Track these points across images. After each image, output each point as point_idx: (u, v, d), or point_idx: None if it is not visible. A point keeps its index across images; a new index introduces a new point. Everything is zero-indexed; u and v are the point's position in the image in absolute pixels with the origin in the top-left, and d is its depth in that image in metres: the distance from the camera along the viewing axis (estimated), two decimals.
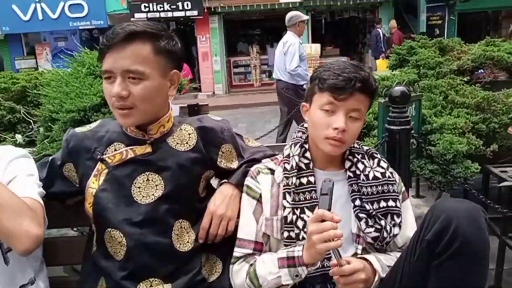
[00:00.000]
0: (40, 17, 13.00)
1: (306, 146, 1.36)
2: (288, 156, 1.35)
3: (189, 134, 1.40)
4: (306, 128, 1.40)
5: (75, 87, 2.21)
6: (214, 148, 1.42)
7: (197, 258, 1.35)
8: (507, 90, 2.76)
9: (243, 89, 14.29)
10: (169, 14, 13.21)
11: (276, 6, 13.61)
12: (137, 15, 13.09)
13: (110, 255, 1.31)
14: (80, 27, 13.45)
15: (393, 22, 11.95)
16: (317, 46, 13.25)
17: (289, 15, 5.02)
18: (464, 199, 1.20)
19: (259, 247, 1.32)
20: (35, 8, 12.93)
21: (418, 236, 1.11)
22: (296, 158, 1.32)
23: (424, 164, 2.32)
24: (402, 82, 2.37)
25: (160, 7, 13.06)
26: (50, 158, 1.45)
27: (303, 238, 1.24)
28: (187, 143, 1.38)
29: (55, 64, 12.68)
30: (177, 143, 1.37)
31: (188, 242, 1.34)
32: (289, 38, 4.93)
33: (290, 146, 1.37)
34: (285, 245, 1.27)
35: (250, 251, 1.31)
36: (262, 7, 13.59)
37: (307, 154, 1.34)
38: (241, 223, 1.36)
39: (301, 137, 1.38)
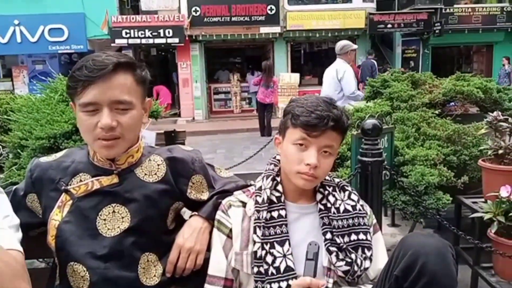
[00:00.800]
0: (19, 40, 12.92)
1: (278, 179, 1.35)
2: (260, 188, 1.33)
3: (158, 165, 1.37)
4: (278, 160, 1.39)
5: (46, 114, 2.17)
6: (184, 179, 1.40)
7: None
8: (477, 123, 2.84)
9: (223, 115, 14.38)
10: (150, 41, 13.32)
11: (257, 36, 13.91)
12: (118, 41, 13.15)
13: None
14: (59, 51, 13.40)
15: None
16: (296, 75, 13.55)
17: (341, 44, 5.24)
18: (432, 234, 1.21)
19: (229, 284, 1.29)
20: (14, 31, 12.86)
21: (387, 271, 1.11)
22: (268, 191, 1.31)
23: (397, 195, 2.34)
24: (375, 114, 2.41)
25: (142, 34, 13.15)
26: (14, 188, 1.41)
27: (272, 274, 1.22)
28: (155, 174, 1.35)
29: (31, 87, 12.61)
30: (145, 174, 1.34)
31: (155, 276, 1.29)
32: (342, 65, 5.12)
33: (262, 179, 1.36)
34: (255, 281, 1.24)
35: None
36: (243, 37, 13.85)
37: (279, 187, 1.33)
38: (211, 259, 1.32)
39: (273, 169, 1.37)
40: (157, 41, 13.27)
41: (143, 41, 13.29)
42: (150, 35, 13.19)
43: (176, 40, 13.27)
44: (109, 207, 1.27)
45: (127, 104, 1.23)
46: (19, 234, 1.21)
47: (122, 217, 1.27)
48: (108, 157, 1.30)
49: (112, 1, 13.52)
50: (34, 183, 1.33)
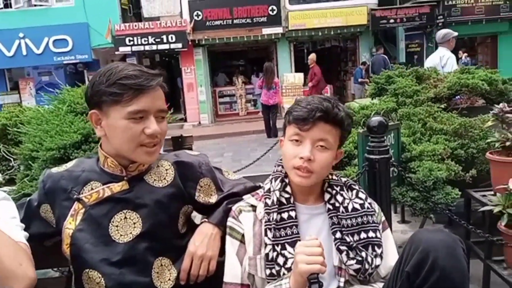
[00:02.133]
0: (24, 52, 13.08)
1: (287, 180, 1.36)
2: (269, 191, 1.35)
3: (166, 169, 1.40)
4: None
5: (55, 125, 2.21)
6: (192, 183, 1.42)
7: None
8: (483, 116, 2.83)
9: (228, 118, 14.41)
10: (154, 47, 13.40)
11: (259, 38, 13.93)
12: (121, 49, 13.25)
13: None
14: (65, 62, 13.53)
15: (313, 56, 11.92)
16: (300, 75, 13.52)
17: (442, 32, 5.47)
18: (441, 229, 1.21)
19: None
20: (19, 44, 13.01)
21: (398, 268, 1.12)
22: (277, 193, 1.32)
23: (405, 192, 2.34)
24: (381, 111, 2.42)
25: (145, 40, 13.23)
26: (27, 199, 1.44)
27: (284, 275, 1.23)
28: (164, 179, 1.38)
29: (38, 99, 12.74)
30: (155, 180, 1.36)
31: (169, 279, 1.32)
32: (445, 52, 5.33)
33: (271, 181, 1.37)
34: (268, 283, 1.25)
35: None
36: (245, 39, 13.88)
37: (288, 189, 1.34)
38: (226, 266, 1.34)
39: (280, 171, 1.38)
40: (161, 47, 13.35)
41: (147, 47, 13.38)
42: (154, 42, 13.28)
43: (179, 45, 13.34)
44: (121, 213, 1.30)
45: (165, 112, 1.32)
46: (25, 233, 1.26)
47: (134, 223, 1.30)
48: (149, 162, 1.35)
49: (115, 10, 13.62)
50: (47, 194, 1.36)
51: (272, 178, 1.38)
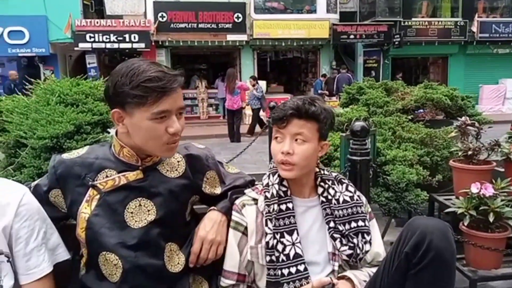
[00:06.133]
0: None
1: None
2: (267, 185, 1.46)
3: (178, 161, 1.47)
4: None
5: (46, 114, 2.20)
6: (200, 174, 1.51)
7: (185, 279, 1.41)
8: (446, 128, 3.10)
9: (189, 121, 14.32)
10: (115, 45, 13.15)
11: (224, 43, 14.05)
12: (81, 45, 12.92)
13: (104, 277, 1.33)
14: (20, 54, 12.98)
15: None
16: (263, 83, 13.75)
17: None
18: (433, 217, 1.37)
19: (242, 278, 1.42)
20: None
21: (396, 249, 1.27)
22: (276, 186, 1.44)
23: (380, 192, 2.54)
24: (359, 118, 2.60)
25: (106, 38, 12.97)
26: (34, 184, 1.46)
27: (282, 261, 1.36)
28: (176, 170, 1.45)
29: None
30: (167, 170, 1.44)
31: (178, 263, 1.40)
32: None
33: (268, 176, 1.49)
34: (268, 269, 1.37)
35: (234, 282, 1.42)
36: (210, 43, 13.95)
37: (284, 183, 1.46)
38: (226, 256, 1.44)
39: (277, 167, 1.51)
40: (122, 45, 13.13)
41: (108, 45, 13.10)
42: (115, 40, 13.04)
43: (142, 45, 13.19)
44: (136, 201, 1.36)
45: (184, 109, 1.38)
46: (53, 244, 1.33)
47: (148, 210, 1.36)
48: (170, 157, 1.43)
49: (76, 5, 13.27)
50: (58, 179, 1.39)
51: (269, 173, 1.50)
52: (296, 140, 1.38)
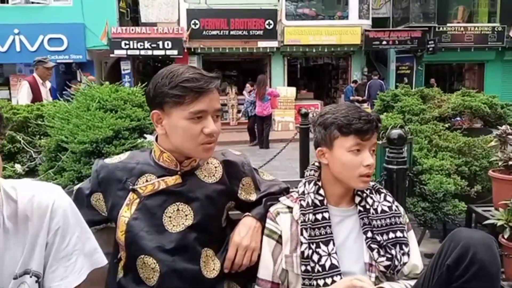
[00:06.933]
0: (18, 49, 12.97)
1: (319, 183, 1.47)
2: (303, 193, 1.45)
3: (215, 167, 1.49)
4: (317, 167, 1.51)
5: (87, 120, 2.27)
6: (236, 180, 1.52)
7: (220, 285, 1.42)
8: (485, 137, 3.01)
9: None
10: (149, 52, 13.45)
11: (254, 50, 14.13)
12: (116, 52, 13.27)
13: (141, 281, 1.35)
14: (58, 61, 13.41)
15: None
16: (293, 89, 13.76)
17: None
18: (477, 230, 1.33)
19: (275, 287, 1.42)
20: (13, 40, 12.91)
21: (437, 262, 1.24)
22: (312, 195, 1.43)
23: (416, 202, 2.48)
24: (396, 126, 2.56)
25: (141, 45, 13.29)
26: (76, 188, 1.50)
27: (318, 271, 1.34)
28: (214, 175, 1.47)
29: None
30: (205, 176, 1.45)
31: (214, 269, 1.40)
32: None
33: (304, 184, 1.48)
34: (303, 278, 1.36)
35: None
36: (241, 50, 14.06)
37: (321, 191, 1.45)
38: (260, 264, 1.44)
39: (313, 175, 1.49)
40: (156, 52, 13.41)
41: (142, 52, 13.42)
42: (149, 47, 13.33)
43: (175, 52, 13.43)
44: (174, 205, 1.38)
45: (221, 111, 1.40)
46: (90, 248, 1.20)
47: (186, 215, 1.38)
48: (207, 158, 1.44)
49: (112, 13, 13.66)
50: (100, 183, 1.43)
51: (306, 182, 1.48)
52: (370, 151, 1.39)
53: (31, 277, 1.07)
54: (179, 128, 1.33)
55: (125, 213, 1.38)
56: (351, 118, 1.36)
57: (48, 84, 5.90)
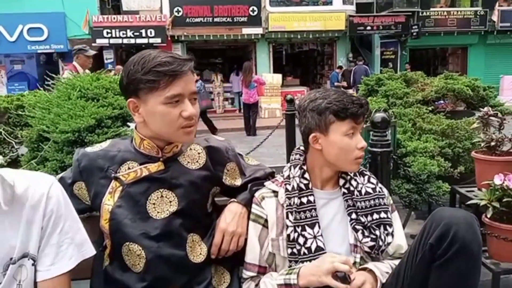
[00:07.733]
0: None
1: (305, 167, 1.47)
2: (289, 177, 1.45)
3: (199, 153, 1.48)
4: (303, 151, 1.51)
5: (68, 109, 2.23)
6: (220, 166, 1.51)
7: (207, 269, 1.42)
8: (468, 119, 3.04)
9: None
10: (132, 41, 13.27)
11: (239, 37, 14.03)
12: (99, 41, 13.05)
13: (128, 268, 1.35)
14: (39, 51, 13.19)
15: None
16: (278, 76, 13.72)
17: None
18: (459, 208, 1.35)
19: (262, 270, 1.43)
20: None
21: (419, 241, 1.25)
22: (297, 179, 1.43)
23: (401, 184, 2.51)
24: (379, 110, 2.58)
25: (123, 34, 13.10)
26: (58, 177, 1.48)
27: (304, 254, 1.35)
28: (197, 161, 1.46)
29: (10, 87, 12.36)
30: (188, 162, 1.44)
31: (200, 254, 1.40)
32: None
33: (289, 168, 1.48)
34: (289, 261, 1.38)
35: (255, 274, 1.43)
36: (225, 37, 13.95)
37: (306, 175, 1.45)
38: (247, 249, 1.45)
39: (299, 159, 1.50)
40: (139, 41, 13.23)
41: (125, 41, 13.24)
42: (132, 35, 13.16)
43: (158, 40, 13.27)
44: (157, 192, 1.37)
45: (196, 94, 1.37)
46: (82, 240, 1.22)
47: (170, 201, 1.37)
48: (189, 141, 1.42)
49: (93, 1, 13.42)
50: (81, 172, 1.41)
51: (291, 166, 1.48)
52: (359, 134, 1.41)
53: (29, 260, 1.10)
54: (156, 114, 1.31)
55: (108, 201, 1.37)
56: (346, 102, 1.36)
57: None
